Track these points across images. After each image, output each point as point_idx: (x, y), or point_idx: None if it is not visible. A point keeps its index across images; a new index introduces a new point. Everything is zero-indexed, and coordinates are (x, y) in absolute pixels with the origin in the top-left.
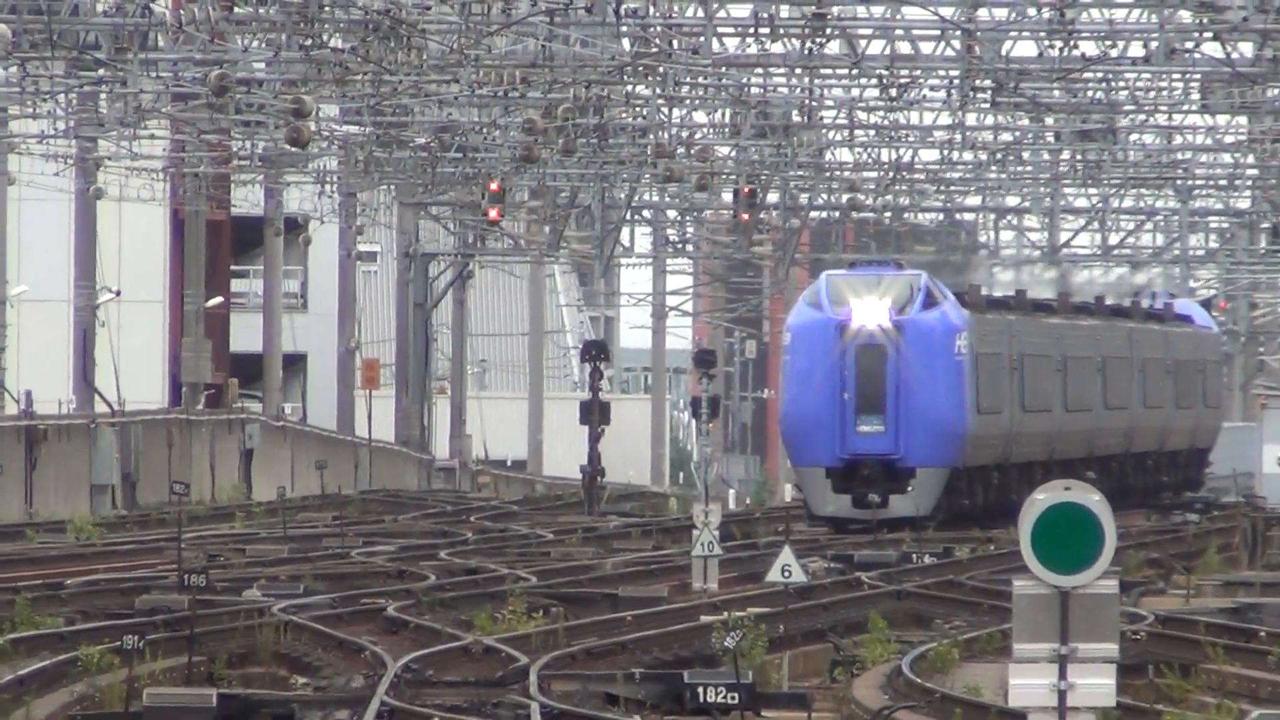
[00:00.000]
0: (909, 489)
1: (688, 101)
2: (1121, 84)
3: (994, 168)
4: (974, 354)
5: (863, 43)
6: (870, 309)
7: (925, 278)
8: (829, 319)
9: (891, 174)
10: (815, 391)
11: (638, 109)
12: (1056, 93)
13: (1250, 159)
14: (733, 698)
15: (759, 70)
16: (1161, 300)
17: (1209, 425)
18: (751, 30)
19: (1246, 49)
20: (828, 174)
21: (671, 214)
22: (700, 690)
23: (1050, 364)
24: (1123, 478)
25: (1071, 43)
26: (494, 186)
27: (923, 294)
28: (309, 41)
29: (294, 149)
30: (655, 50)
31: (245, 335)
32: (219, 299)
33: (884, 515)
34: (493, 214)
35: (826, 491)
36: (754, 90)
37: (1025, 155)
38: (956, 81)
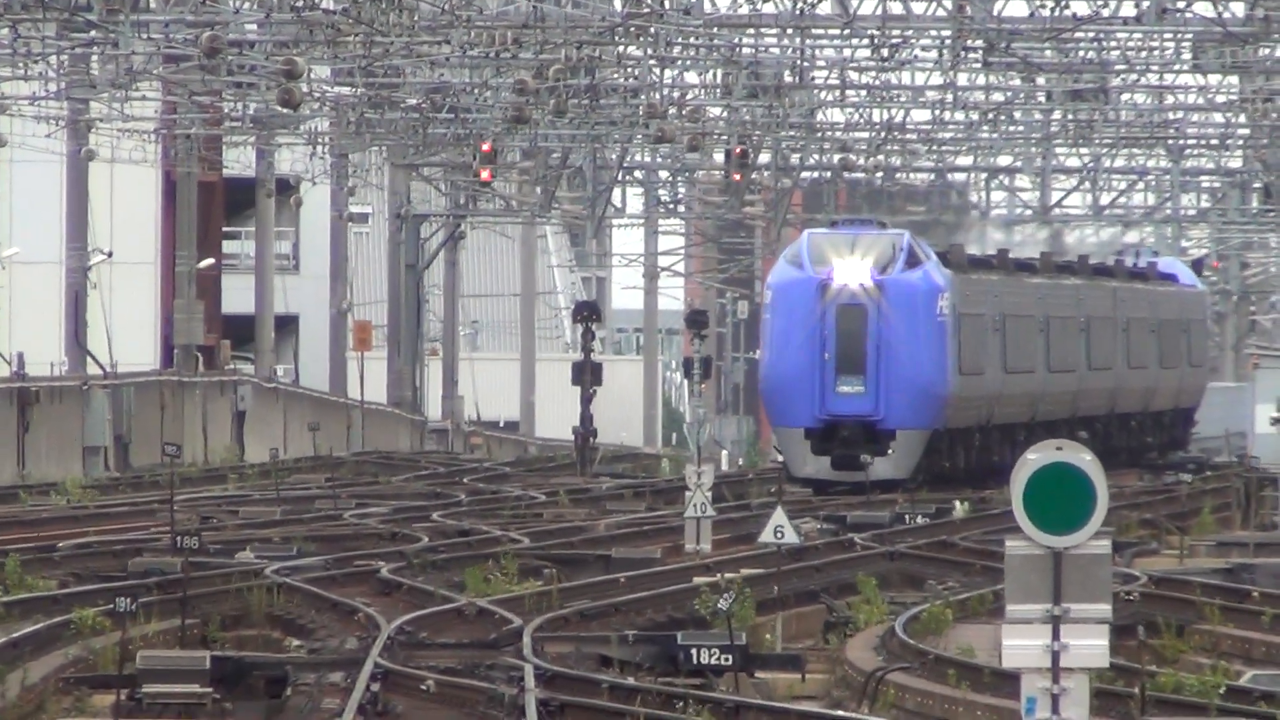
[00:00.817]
0: (889, 451)
1: (679, 62)
2: (1113, 44)
3: (985, 128)
4: (956, 314)
5: (854, 2)
6: (852, 268)
7: (908, 237)
8: (810, 278)
9: (883, 134)
10: (795, 351)
11: (629, 69)
12: (1048, 53)
13: (1242, 119)
14: (726, 659)
15: (750, 30)
16: (1145, 259)
17: (1194, 385)
18: None
19: (1238, 8)
20: (819, 134)
21: (663, 174)
22: (694, 652)
23: (1033, 324)
24: (1107, 439)
25: (1063, 2)
26: (485, 147)
27: (905, 253)
28: (300, 3)
29: (285, 110)
30: (647, 10)
31: (237, 297)
32: (211, 260)
33: (864, 477)
34: (484, 175)
35: (806, 452)
36: (745, 50)
37: (1017, 115)
38: (948, 41)
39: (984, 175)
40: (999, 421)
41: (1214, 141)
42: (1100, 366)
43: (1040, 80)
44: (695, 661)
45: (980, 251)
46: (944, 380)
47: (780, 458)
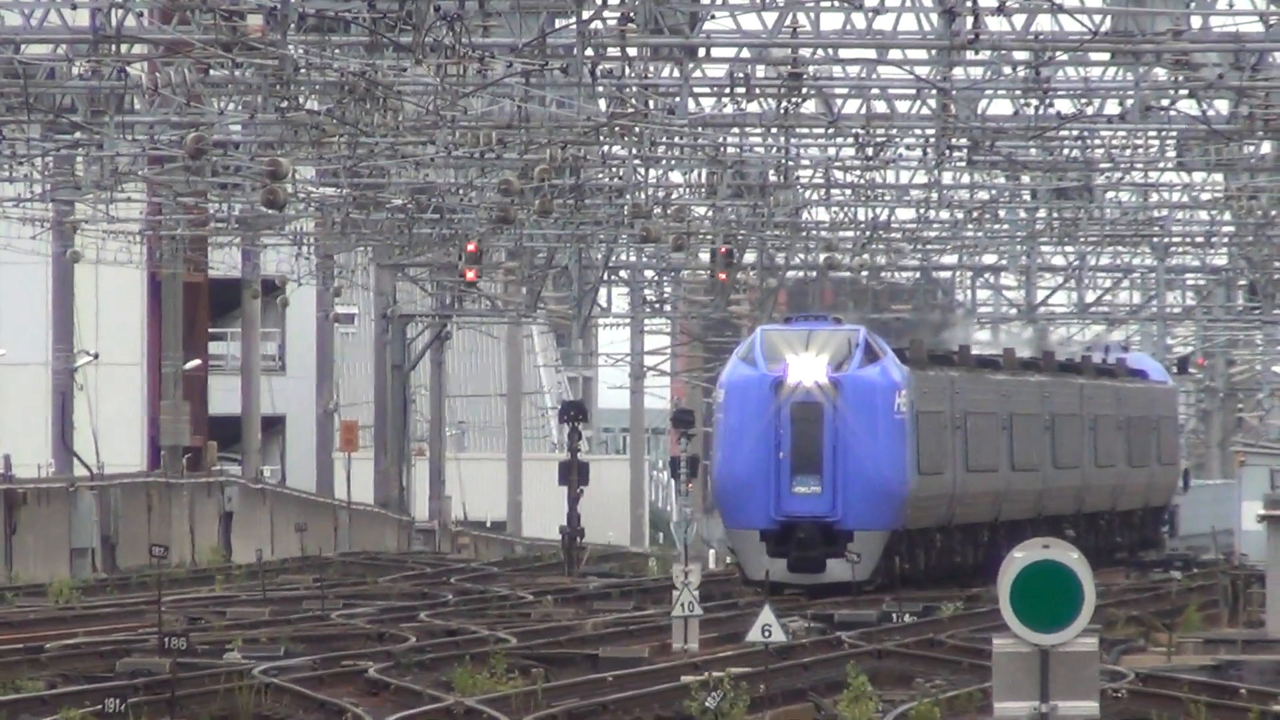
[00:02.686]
0: (847, 553)
1: (664, 161)
2: (1097, 142)
3: (970, 226)
4: (914, 411)
5: (839, 102)
6: (806, 365)
7: (864, 332)
8: (763, 375)
9: (868, 233)
10: (749, 451)
11: (614, 169)
12: (1032, 151)
13: (1227, 216)
14: None
15: (735, 130)
16: (1114, 354)
17: (1164, 483)
18: (727, 90)
19: (1222, 106)
20: (804, 233)
21: (649, 274)
22: None
23: (995, 421)
24: (1074, 539)
25: (1047, 101)
26: (471, 247)
27: (861, 349)
28: (285, 103)
29: (270, 211)
30: (631, 110)
31: (224, 397)
32: (197, 361)
33: (821, 580)
34: (470, 275)
35: (761, 555)
36: (730, 150)
37: (1001, 213)
38: (932, 140)
39: (969, 273)
40: (961, 521)
41: (1199, 239)
42: (1066, 465)
43: (1025, 178)
44: None
45: (958, 347)
46: (902, 479)
47: (732, 560)
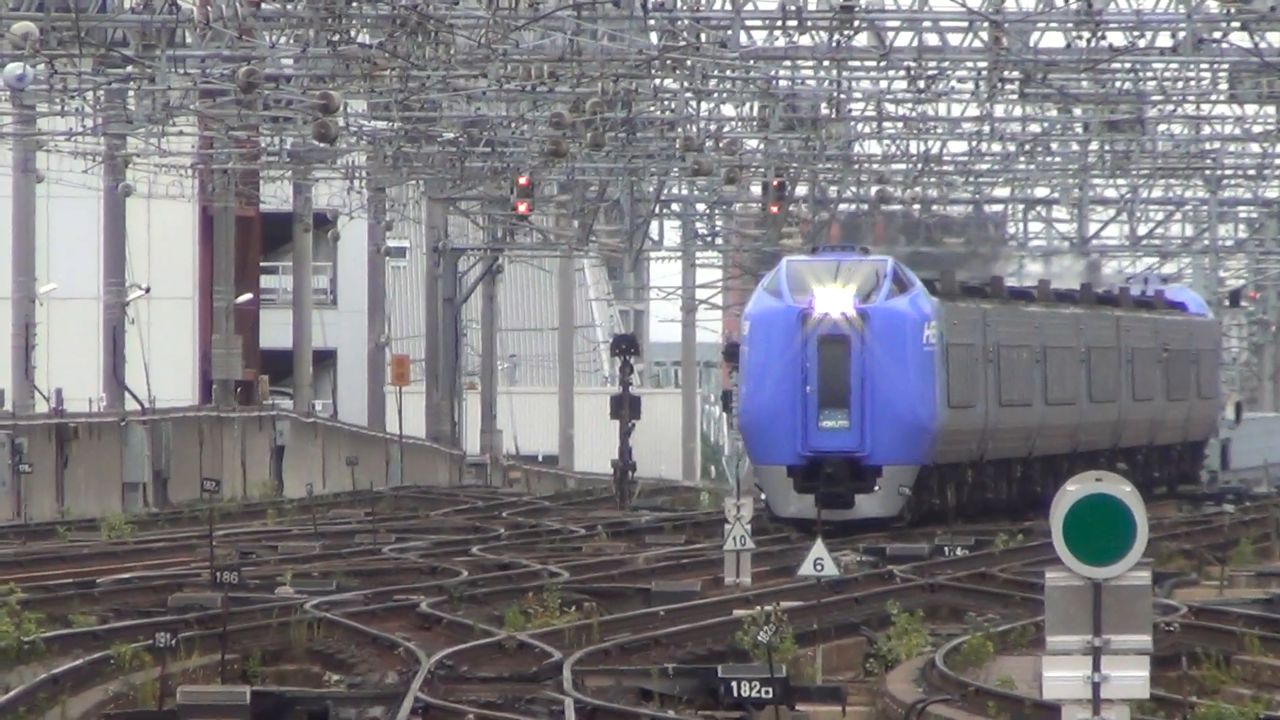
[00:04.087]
0: (876, 488)
1: (716, 95)
2: (1149, 74)
3: (1022, 159)
4: (945, 344)
5: (890, 35)
6: (833, 297)
7: (891, 263)
8: (789, 307)
9: (920, 166)
10: (775, 385)
11: (666, 103)
12: (1084, 83)
13: (1279, 148)
14: (767, 692)
15: (787, 63)
16: (1153, 286)
17: (1204, 417)
18: (779, 23)
19: (1275, 38)
20: (856, 166)
21: (700, 207)
22: (734, 685)
23: (1029, 354)
24: (1127, 473)
25: (1099, 33)
26: (523, 181)
27: (889, 280)
28: (336, 37)
29: (322, 145)
30: (683, 44)
31: (275, 332)
32: (248, 295)
33: (850, 516)
34: (521, 208)
35: (789, 491)
36: (782, 83)
37: (1053, 146)
38: (984, 73)
39: (1021, 206)
40: (992, 457)
41: (1251, 172)
42: (1102, 399)
43: (1077, 111)
44: (736, 695)
45: (1019, 283)
46: (932, 413)
47: (762, 496)
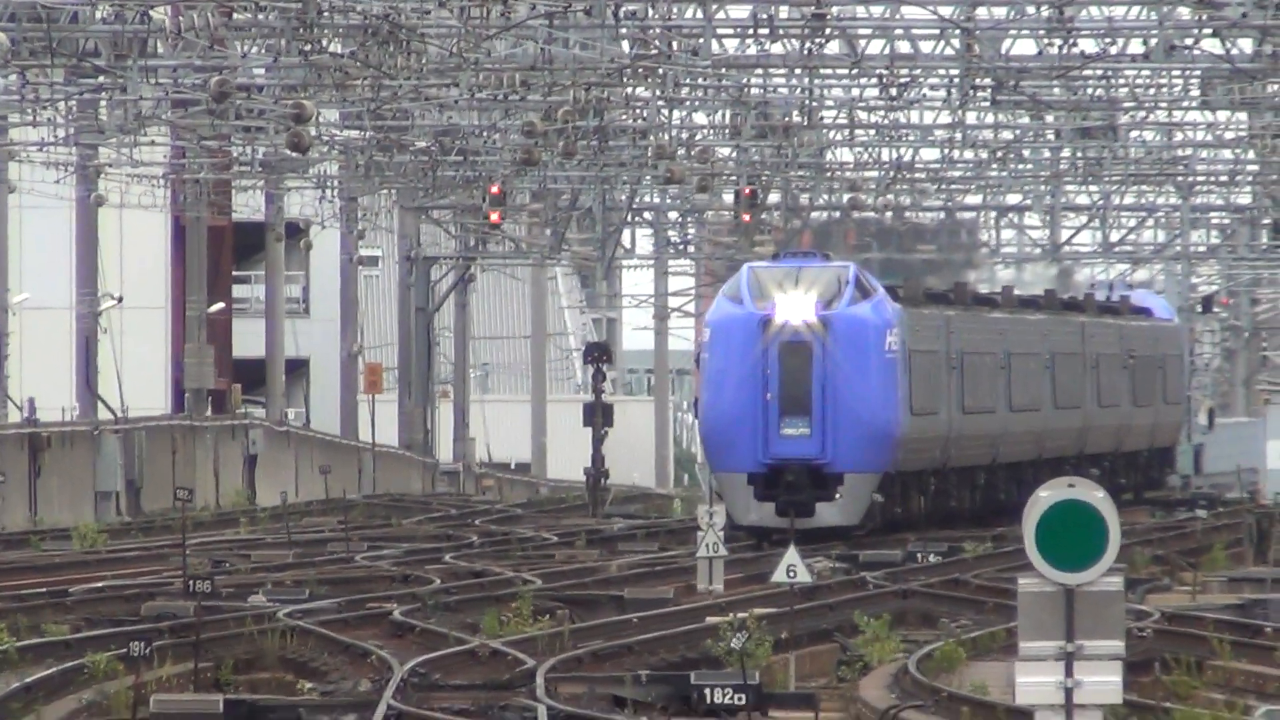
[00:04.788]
0: (837, 496)
1: (688, 103)
2: (1121, 81)
3: (995, 166)
4: (907, 350)
5: (862, 42)
6: (794, 303)
7: (854, 269)
8: (750, 314)
9: (892, 173)
10: (736, 392)
11: (638, 111)
12: (1056, 90)
13: (1251, 155)
14: (740, 698)
15: (759, 71)
16: (1118, 292)
17: (1169, 423)
18: (751, 31)
19: (1246, 45)
20: (829, 174)
21: (673, 215)
22: (707, 691)
23: (993, 361)
24: (1100, 479)
25: (1071, 40)
26: (495, 189)
27: (851, 286)
28: (308, 47)
29: (294, 154)
30: (655, 52)
31: (248, 341)
32: (221, 305)
33: (810, 525)
34: (494, 217)
35: (749, 499)
36: (754, 91)
37: (1026, 153)
38: (956, 80)
39: (993, 213)
40: (956, 464)
41: (1223, 178)
42: (1067, 405)
43: (1049, 118)
44: (709, 701)
45: (990, 290)
46: (894, 420)
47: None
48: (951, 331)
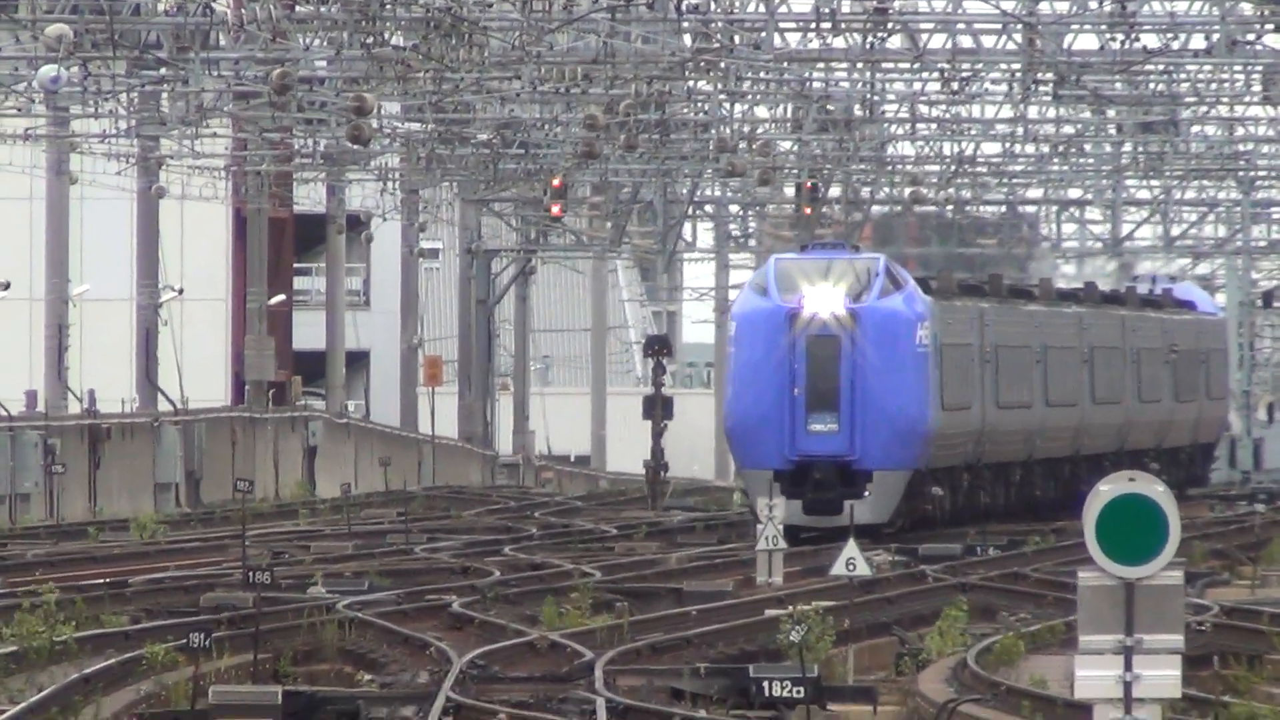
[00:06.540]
0: (866, 494)
1: (749, 96)
2: (1183, 76)
3: (1056, 160)
4: (938, 344)
5: (924, 36)
6: (822, 296)
7: (884, 261)
8: (778, 307)
9: (953, 167)
10: (763, 387)
11: (699, 104)
12: (1118, 85)
13: None
14: (799, 692)
15: (820, 65)
16: (1160, 285)
17: (1213, 418)
18: (813, 25)
19: None
20: (890, 167)
21: (734, 208)
22: (766, 684)
23: (1028, 355)
24: (1158, 472)
25: (1133, 35)
26: (556, 182)
27: (881, 279)
28: (370, 39)
29: (356, 146)
30: (717, 45)
31: (308, 333)
32: (281, 296)
33: (838, 523)
34: (555, 210)
35: (776, 497)
36: (816, 84)
37: (1087, 147)
38: (1018, 74)
39: (1054, 207)
40: (990, 460)
41: None
42: (1106, 400)
43: (1111, 113)
44: (768, 694)
45: (1027, 282)
46: (925, 416)
47: (742, 501)
48: (985, 324)
